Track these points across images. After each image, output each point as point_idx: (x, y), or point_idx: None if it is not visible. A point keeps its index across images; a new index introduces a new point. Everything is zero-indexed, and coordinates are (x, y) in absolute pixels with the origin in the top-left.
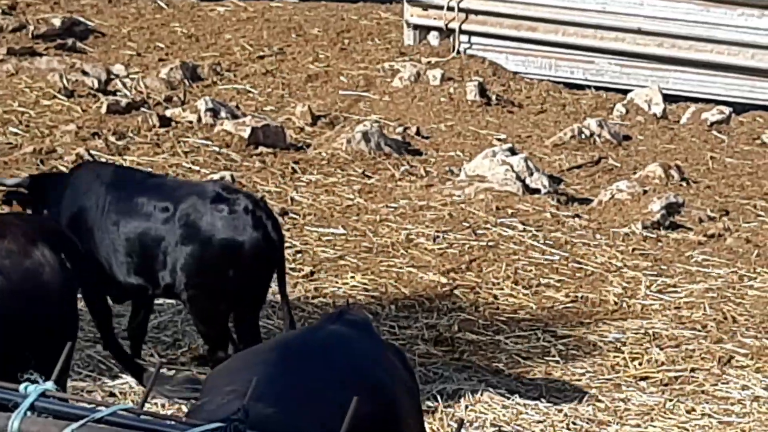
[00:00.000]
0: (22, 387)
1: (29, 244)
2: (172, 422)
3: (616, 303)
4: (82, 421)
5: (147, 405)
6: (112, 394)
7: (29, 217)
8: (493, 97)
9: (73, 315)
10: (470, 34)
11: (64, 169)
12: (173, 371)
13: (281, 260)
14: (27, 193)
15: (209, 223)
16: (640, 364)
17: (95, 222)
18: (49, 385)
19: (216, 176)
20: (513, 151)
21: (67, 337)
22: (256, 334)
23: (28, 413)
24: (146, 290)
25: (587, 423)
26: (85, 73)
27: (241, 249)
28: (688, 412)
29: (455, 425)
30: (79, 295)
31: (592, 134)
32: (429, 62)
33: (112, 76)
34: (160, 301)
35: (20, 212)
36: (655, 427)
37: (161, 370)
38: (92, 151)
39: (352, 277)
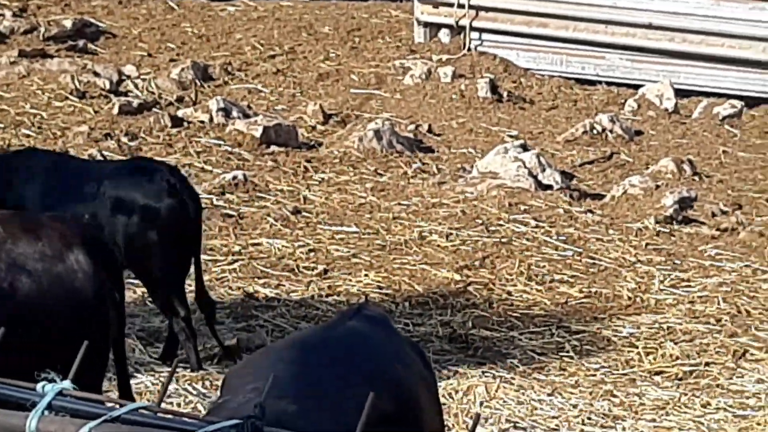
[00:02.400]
0: (39, 386)
1: (65, 249)
2: (190, 420)
3: (629, 298)
4: (99, 420)
5: (164, 403)
6: None
7: (68, 219)
8: (505, 94)
9: (105, 321)
10: (481, 30)
11: None
12: (188, 369)
13: (198, 228)
14: None
15: (131, 195)
16: (655, 358)
17: (34, 206)
18: (67, 384)
19: (228, 175)
20: (525, 148)
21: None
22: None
23: (46, 412)
24: None
25: (602, 418)
26: (96, 74)
27: (159, 214)
28: (703, 406)
29: (471, 421)
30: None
31: (603, 130)
32: (440, 59)
33: (124, 77)
34: None
35: (59, 214)
36: (670, 421)
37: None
38: (105, 152)
39: (366, 275)
